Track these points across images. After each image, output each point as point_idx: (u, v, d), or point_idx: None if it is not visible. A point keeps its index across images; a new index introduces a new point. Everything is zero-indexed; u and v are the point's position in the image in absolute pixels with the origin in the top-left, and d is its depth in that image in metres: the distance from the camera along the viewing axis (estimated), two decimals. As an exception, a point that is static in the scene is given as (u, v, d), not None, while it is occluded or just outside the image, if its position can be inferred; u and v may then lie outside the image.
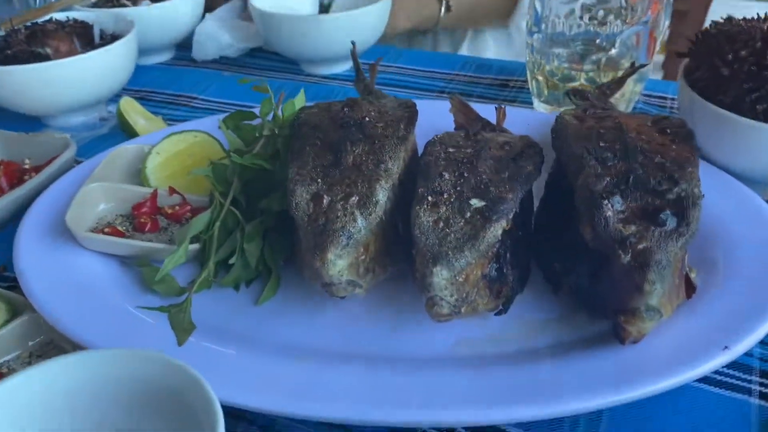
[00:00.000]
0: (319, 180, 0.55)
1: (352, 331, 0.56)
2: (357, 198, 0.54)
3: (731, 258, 0.59)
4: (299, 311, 0.58)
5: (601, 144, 0.56)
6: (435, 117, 0.78)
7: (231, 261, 0.59)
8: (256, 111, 0.71)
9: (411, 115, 0.63)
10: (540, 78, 0.86)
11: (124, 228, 0.64)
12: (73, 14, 0.97)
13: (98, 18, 0.95)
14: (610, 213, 0.49)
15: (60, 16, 0.96)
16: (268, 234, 0.61)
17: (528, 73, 0.89)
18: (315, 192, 0.55)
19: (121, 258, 0.62)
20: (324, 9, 1.05)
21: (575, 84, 0.82)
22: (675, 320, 0.52)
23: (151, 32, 1.03)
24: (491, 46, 1.41)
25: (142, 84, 1.02)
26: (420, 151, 0.62)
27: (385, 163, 0.56)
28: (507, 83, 1.00)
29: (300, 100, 0.70)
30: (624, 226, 0.48)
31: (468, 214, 0.52)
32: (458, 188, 0.54)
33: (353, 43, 0.84)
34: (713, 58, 0.66)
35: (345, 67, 1.05)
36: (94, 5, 1.05)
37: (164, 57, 1.11)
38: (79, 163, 0.76)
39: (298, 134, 0.61)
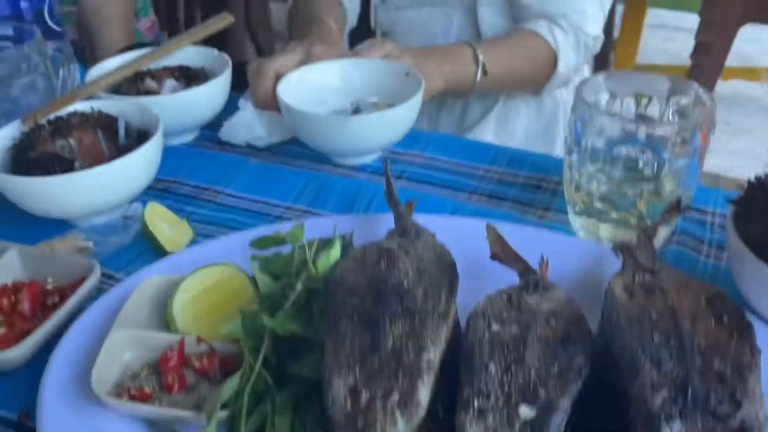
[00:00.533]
0: (357, 368, 0.53)
1: None
2: (398, 396, 0.51)
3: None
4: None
5: (655, 338, 0.53)
6: (471, 241, 0.76)
7: (261, 438, 0.57)
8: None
9: (452, 279, 0.61)
10: (575, 198, 0.83)
11: (150, 386, 0.62)
12: (98, 104, 0.95)
13: (122, 111, 0.93)
14: (669, 442, 0.46)
15: (84, 106, 0.94)
16: (300, 406, 0.59)
17: (564, 188, 0.85)
18: (352, 385, 0.52)
19: (148, 420, 0.60)
20: (356, 109, 1.02)
21: (619, 215, 0.79)
22: None
23: (176, 117, 1.01)
24: (523, 113, 1.38)
25: (166, 171, 0.99)
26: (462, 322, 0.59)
27: (426, 351, 0.54)
28: (540, 184, 0.97)
29: (336, 252, 0.67)
30: (684, 459, 0.46)
31: (518, 427, 0.49)
32: (505, 388, 0.51)
33: (386, 160, 0.82)
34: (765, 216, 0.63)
35: (374, 156, 1.03)
36: (117, 89, 1.03)
37: (188, 138, 1.08)
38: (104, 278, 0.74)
39: (333, 301, 0.59)
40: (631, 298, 0.58)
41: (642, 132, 0.75)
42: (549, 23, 1.22)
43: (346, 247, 0.71)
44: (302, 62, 1.03)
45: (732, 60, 1.76)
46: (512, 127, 1.38)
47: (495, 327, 0.57)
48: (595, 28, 1.24)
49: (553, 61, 1.23)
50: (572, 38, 1.22)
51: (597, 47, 1.28)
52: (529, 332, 0.55)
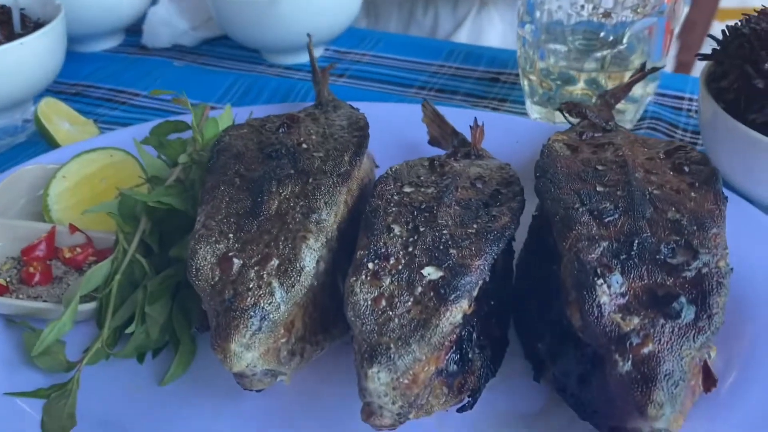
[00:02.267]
0: (231, 236, 0.43)
1: (279, 424, 0.44)
2: (277, 262, 0.41)
3: (760, 328, 0.46)
4: (215, 395, 0.46)
5: (599, 188, 0.43)
6: (409, 126, 0.66)
7: (128, 330, 0.47)
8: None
9: (359, 141, 0.50)
10: (533, 78, 0.72)
11: (9, 278, 0.52)
12: (-7, -4, 0.83)
13: (19, 1, 0.82)
14: (605, 298, 0.36)
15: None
16: (180, 292, 0.49)
17: (519, 70, 0.75)
18: (223, 252, 0.42)
19: (6, 316, 0.51)
20: None
21: (574, 88, 0.68)
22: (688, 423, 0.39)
23: (92, 16, 0.90)
24: (497, 25, 1.27)
25: (82, 76, 0.89)
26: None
27: (318, 212, 0.44)
28: (498, 77, 0.86)
29: (226, 118, 0.57)
30: (624, 317, 0.36)
31: (419, 290, 0.39)
32: (410, 249, 0.41)
33: (309, 35, 0.71)
34: (744, 64, 0.52)
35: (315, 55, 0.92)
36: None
37: (111, 43, 0.97)
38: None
39: (215, 166, 0.48)
40: (575, 153, 0.48)
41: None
42: None
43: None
44: None
45: None
46: (485, 39, 1.27)
47: (407, 189, 0.47)
48: None
49: None
50: None
51: None
52: (446, 194, 0.45)
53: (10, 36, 0.79)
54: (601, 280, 0.37)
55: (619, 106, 0.66)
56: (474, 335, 0.41)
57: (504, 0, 1.24)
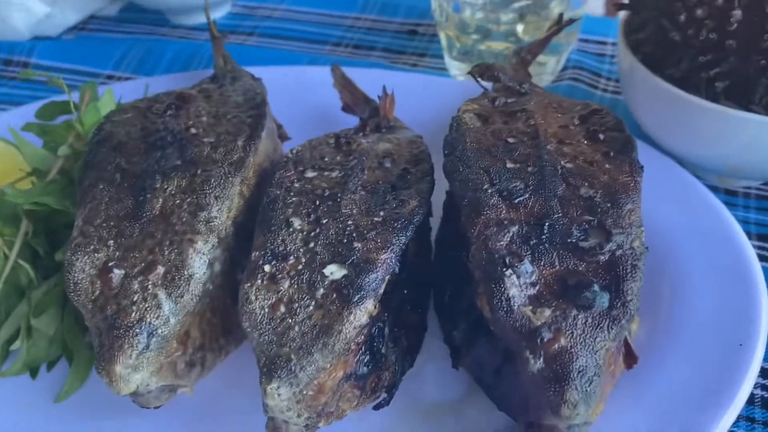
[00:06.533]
0: (111, 242, 0.39)
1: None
2: (163, 270, 0.37)
3: (682, 294, 0.45)
4: (116, 410, 0.42)
5: (509, 165, 0.40)
6: (321, 91, 0.62)
7: (12, 347, 0.43)
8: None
9: (255, 122, 0.46)
10: (449, 32, 0.68)
11: None
12: None
13: None
14: (515, 290, 0.34)
15: None
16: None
17: (435, 23, 0.71)
18: (103, 262, 0.38)
19: None
20: None
21: (493, 43, 0.65)
22: (611, 405, 0.38)
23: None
24: None
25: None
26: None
27: (207, 209, 0.40)
28: (416, 29, 0.82)
29: (107, 103, 0.51)
30: (534, 310, 0.34)
31: (321, 292, 0.36)
32: (311, 245, 0.38)
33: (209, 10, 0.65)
34: (661, 17, 0.50)
35: (221, 13, 0.85)
36: None
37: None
38: None
39: (94, 160, 0.44)
40: (486, 124, 0.45)
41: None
42: None
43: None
44: None
45: None
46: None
47: (310, 174, 0.43)
48: None
49: None
50: None
51: None
52: (352, 177, 0.42)
53: None
54: (510, 271, 0.34)
55: (539, 58, 0.63)
56: (386, 330, 0.39)
57: None
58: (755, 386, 0.44)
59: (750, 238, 0.53)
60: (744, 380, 0.39)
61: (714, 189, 0.57)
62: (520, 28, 0.65)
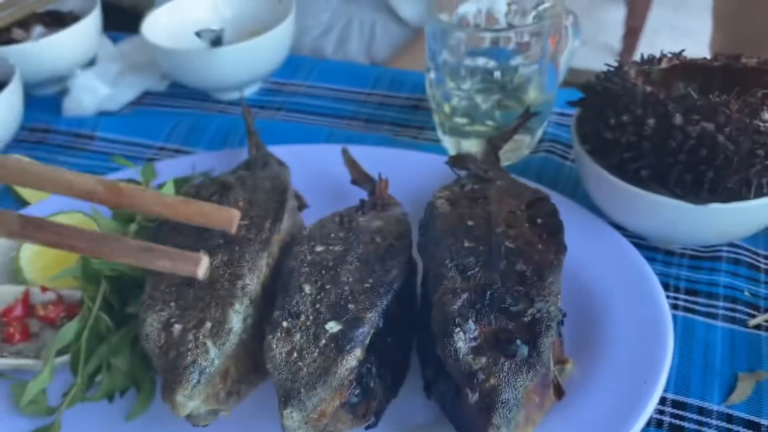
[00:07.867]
0: (172, 304, 0.53)
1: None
2: (210, 325, 0.52)
3: (609, 339, 0.57)
4: (171, 428, 0.56)
5: (466, 244, 0.54)
6: (335, 165, 0.76)
7: (97, 379, 0.57)
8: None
9: (279, 207, 0.60)
10: (442, 115, 0.82)
11: (-7, 339, 0.62)
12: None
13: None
14: (461, 343, 0.47)
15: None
16: (139, 343, 0.59)
17: (431, 107, 0.85)
18: (166, 319, 0.52)
19: (-7, 373, 0.61)
20: (216, 42, 0.99)
21: (479, 126, 0.78)
22: (544, 427, 0.51)
23: (40, 65, 0.97)
24: None
25: (37, 117, 0.96)
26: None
27: (242, 279, 0.54)
28: (419, 104, 0.96)
29: (168, 191, 0.66)
30: (474, 357, 0.47)
31: (323, 342, 0.50)
32: (317, 306, 0.52)
33: (246, 107, 0.80)
34: (597, 119, 0.63)
35: (254, 89, 1.01)
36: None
37: (60, 86, 1.04)
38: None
39: (157, 239, 0.58)
40: (454, 208, 0.58)
41: (487, 41, 0.73)
42: None
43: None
44: None
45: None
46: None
47: (319, 248, 0.57)
48: None
49: None
50: None
51: None
52: (349, 251, 0.56)
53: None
54: (458, 329, 0.48)
55: (516, 137, 0.77)
56: (373, 369, 0.52)
57: None
58: (665, 414, 0.56)
59: (680, 292, 0.66)
60: (644, 410, 0.51)
61: (655, 249, 0.69)
62: (497, 114, 0.78)
